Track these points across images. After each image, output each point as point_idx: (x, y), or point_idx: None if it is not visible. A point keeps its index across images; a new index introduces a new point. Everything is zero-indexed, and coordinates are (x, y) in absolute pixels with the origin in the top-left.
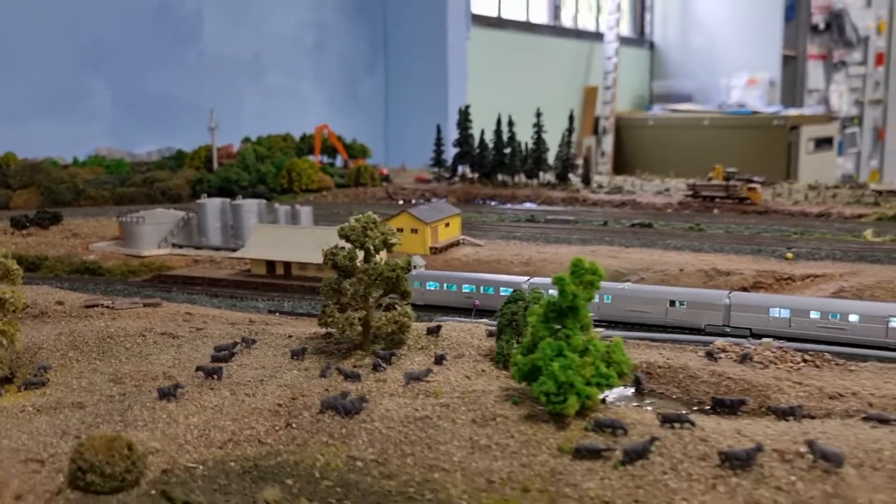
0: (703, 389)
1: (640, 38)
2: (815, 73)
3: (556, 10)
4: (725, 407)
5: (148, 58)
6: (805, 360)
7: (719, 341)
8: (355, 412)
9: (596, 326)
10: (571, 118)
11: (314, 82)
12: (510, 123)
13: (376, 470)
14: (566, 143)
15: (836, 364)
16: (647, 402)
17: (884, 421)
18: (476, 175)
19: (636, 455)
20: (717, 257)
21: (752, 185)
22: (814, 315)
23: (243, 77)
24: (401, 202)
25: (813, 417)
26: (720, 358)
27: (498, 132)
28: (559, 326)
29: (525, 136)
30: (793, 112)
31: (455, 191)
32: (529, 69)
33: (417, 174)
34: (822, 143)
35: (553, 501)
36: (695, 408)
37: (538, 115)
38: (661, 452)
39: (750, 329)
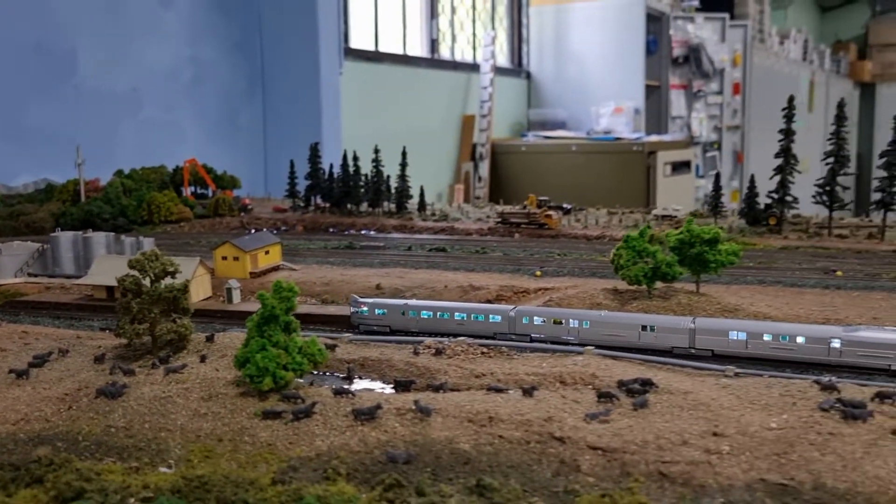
0: (393, 375)
1: (517, 68)
2: (677, 102)
3: (433, 44)
4: (401, 385)
5: (25, 93)
6: (483, 353)
7: (428, 340)
8: (118, 395)
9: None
10: (404, 153)
11: (193, 115)
12: (355, 158)
13: (122, 433)
14: (401, 176)
15: (509, 356)
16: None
17: (498, 390)
18: (327, 205)
19: (302, 414)
20: (481, 276)
21: (549, 213)
22: (766, 337)
23: (120, 111)
24: (252, 231)
25: (458, 390)
26: (422, 353)
27: (344, 165)
28: (266, 329)
29: (393, 167)
30: (653, 138)
31: (304, 220)
32: (408, 100)
33: (276, 204)
34: (680, 166)
35: (235, 446)
36: (385, 387)
37: (376, 150)
38: (321, 413)
39: (712, 350)
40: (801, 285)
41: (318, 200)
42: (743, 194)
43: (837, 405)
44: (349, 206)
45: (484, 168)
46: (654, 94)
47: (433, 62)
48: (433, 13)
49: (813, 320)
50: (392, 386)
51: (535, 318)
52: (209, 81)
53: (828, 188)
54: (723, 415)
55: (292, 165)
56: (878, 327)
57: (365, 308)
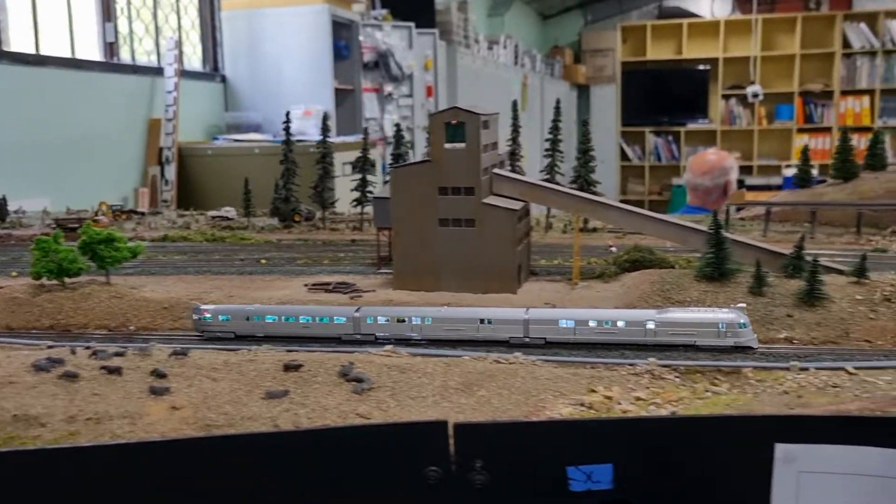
0: None
1: (213, 71)
2: (370, 105)
3: (110, 47)
4: None
5: None
6: None
7: None
8: None
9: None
10: None
11: None
12: None
13: None
14: None
15: None
16: None
17: None
18: None
19: None
20: None
21: (98, 218)
22: (592, 323)
23: None
24: None
25: None
26: None
27: None
28: None
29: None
30: (337, 139)
31: None
32: (81, 105)
33: None
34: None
35: None
36: None
37: None
38: None
39: (545, 338)
40: (224, 273)
41: None
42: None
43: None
44: None
45: (171, 171)
46: (349, 98)
47: (110, 66)
48: (109, 16)
49: (182, 299)
50: None
51: (379, 317)
52: None
53: (318, 189)
54: None
55: None
56: (684, 308)
57: (208, 314)
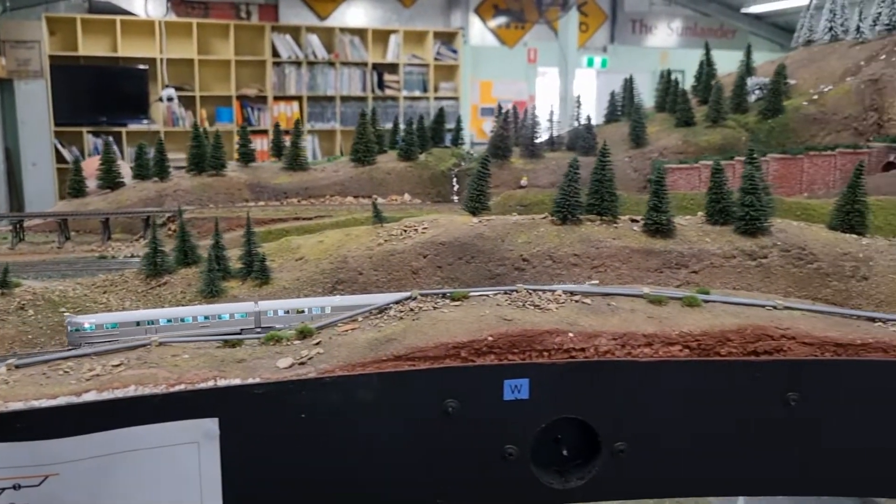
0: None
1: None
2: None
3: None
4: None
5: None
6: None
7: None
8: None
9: None
10: None
11: None
12: None
13: None
14: None
15: None
16: None
17: None
18: None
19: None
20: None
21: None
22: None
23: None
24: None
25: None
26: None
27: None
28: None
29: None
30: None
31: None
32: None
33: None
34: None
35: None
36: None
37: None
38: None
39: None
40: None
41: None
42: None
43: None
44: None
45: None
46: None
47: None
48: None
49: None
50: None
51: (279, 310)
52: None
53: None
54: None
55: None
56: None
57: (89, 325)
